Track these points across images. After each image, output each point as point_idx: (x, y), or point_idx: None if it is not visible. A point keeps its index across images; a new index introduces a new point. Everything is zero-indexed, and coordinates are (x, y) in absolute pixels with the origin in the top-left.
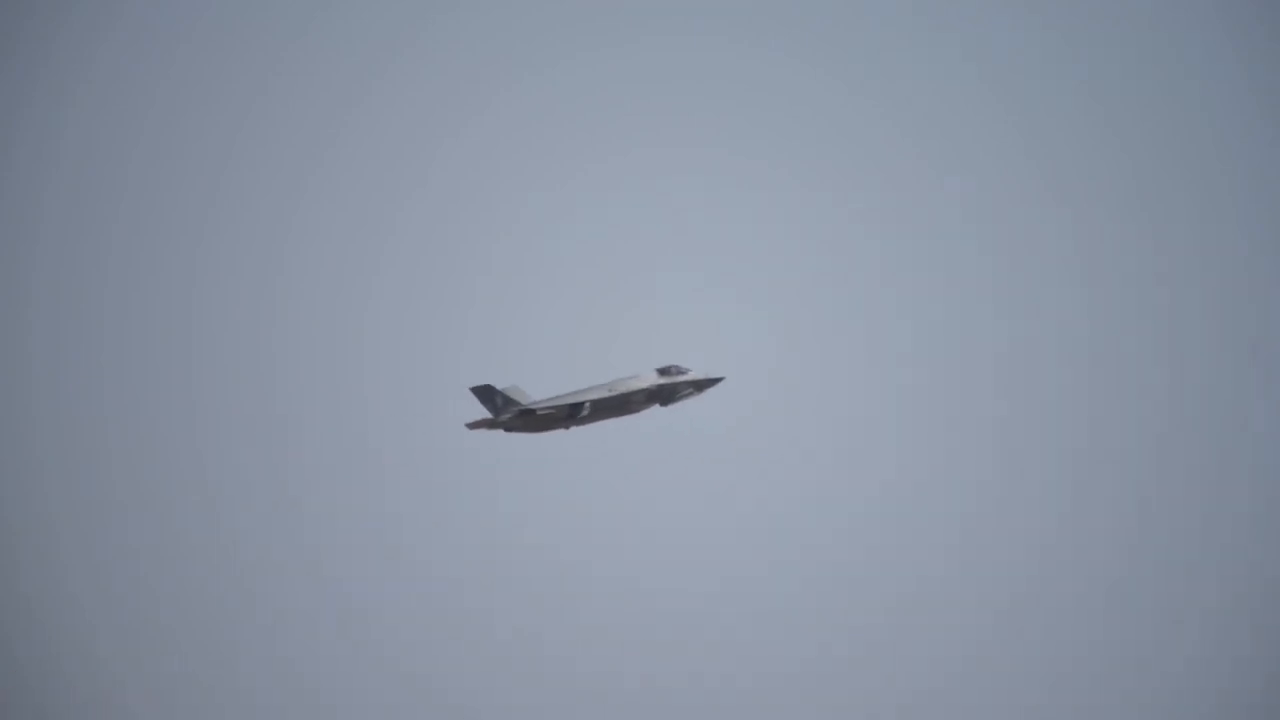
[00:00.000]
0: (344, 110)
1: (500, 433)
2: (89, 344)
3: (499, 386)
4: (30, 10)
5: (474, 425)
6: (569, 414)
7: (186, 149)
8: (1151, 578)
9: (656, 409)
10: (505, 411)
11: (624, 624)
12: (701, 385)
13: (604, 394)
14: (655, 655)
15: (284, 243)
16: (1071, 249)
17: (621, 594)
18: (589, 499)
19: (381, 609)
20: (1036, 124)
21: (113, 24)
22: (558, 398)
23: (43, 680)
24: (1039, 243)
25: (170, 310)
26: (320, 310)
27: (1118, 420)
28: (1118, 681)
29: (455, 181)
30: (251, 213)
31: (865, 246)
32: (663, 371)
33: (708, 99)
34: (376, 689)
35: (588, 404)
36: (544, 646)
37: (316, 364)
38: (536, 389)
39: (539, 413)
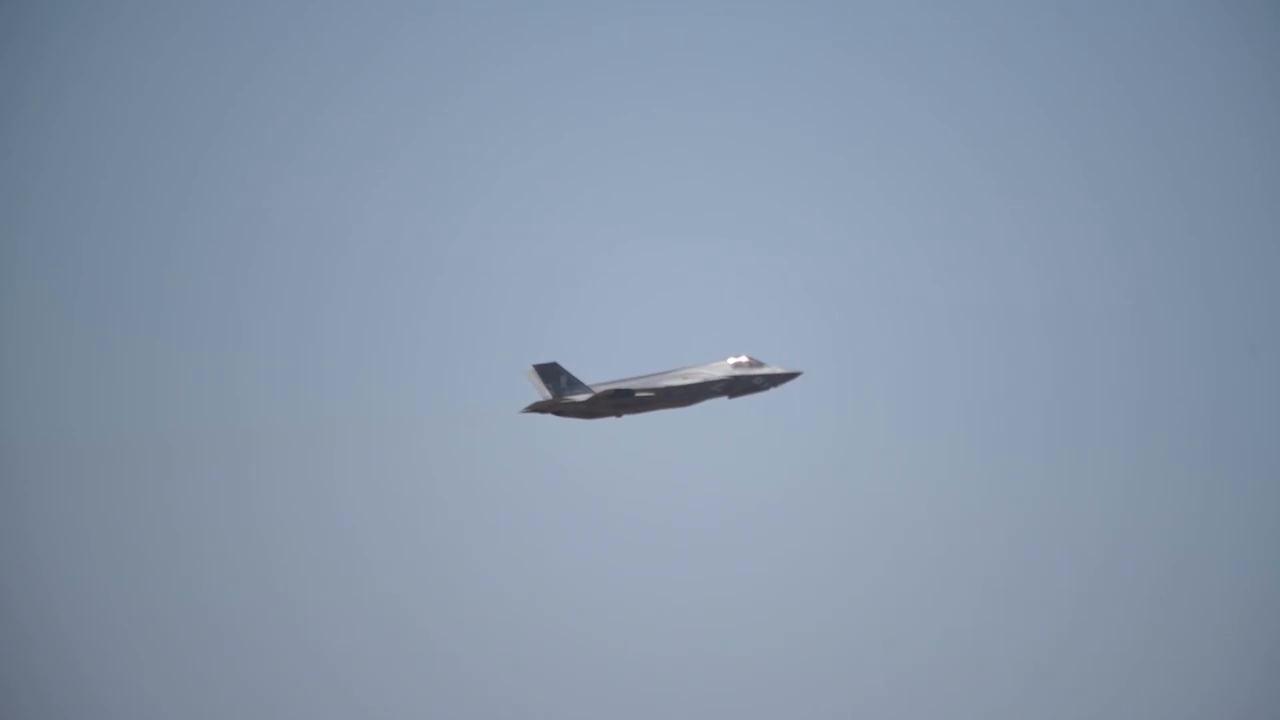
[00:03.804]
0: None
1: (550, 416)
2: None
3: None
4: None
5: (533, 409)
6: (657, 398)
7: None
8: (1150, 579)
9: (723, 400)
10: (570, 392)
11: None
12: (777, 379)
13: (678, 381)
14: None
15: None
16: (1071, 251)
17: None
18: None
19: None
20: (1037, 124)
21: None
22: (626, 380)
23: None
24: (1037, 242)
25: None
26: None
27: (1117, 422)
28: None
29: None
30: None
31: (866, 243)
32: (737, 363)
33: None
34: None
35: (659, 390)
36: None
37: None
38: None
39: (638, 394)
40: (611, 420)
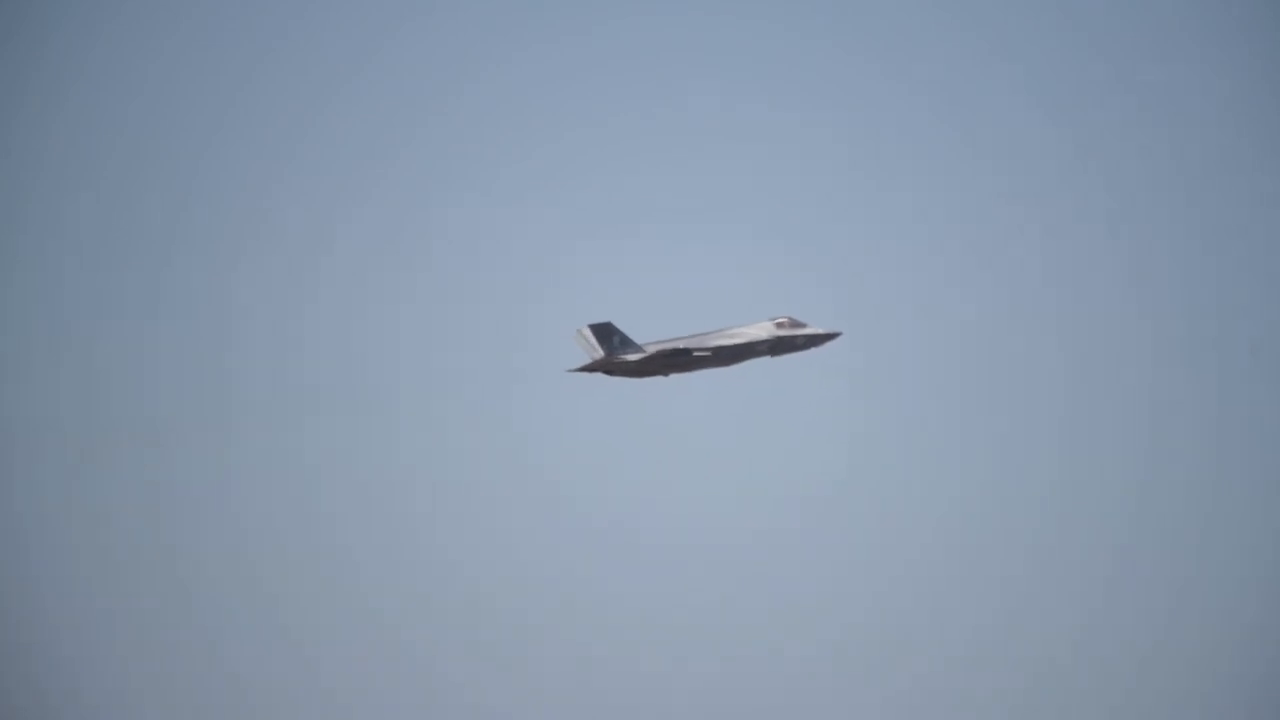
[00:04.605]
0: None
1: (599, 376)
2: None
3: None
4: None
5: (586, 368)
6: (709, 358)
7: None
8: (1149, 581)
9: (764, 360)
10: (623, 351)
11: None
12: (817, 340)
13: (726, 341)
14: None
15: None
16: (1070, 250)
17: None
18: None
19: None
20: (1037, 121)
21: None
22: (675, 340)
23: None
24: (1037, 242)
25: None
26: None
27: (1119, 423)
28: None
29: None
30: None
31: (864, 240)
32: (779, 323)
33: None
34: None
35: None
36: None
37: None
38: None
39: (695, 353)
40: (660, 379)
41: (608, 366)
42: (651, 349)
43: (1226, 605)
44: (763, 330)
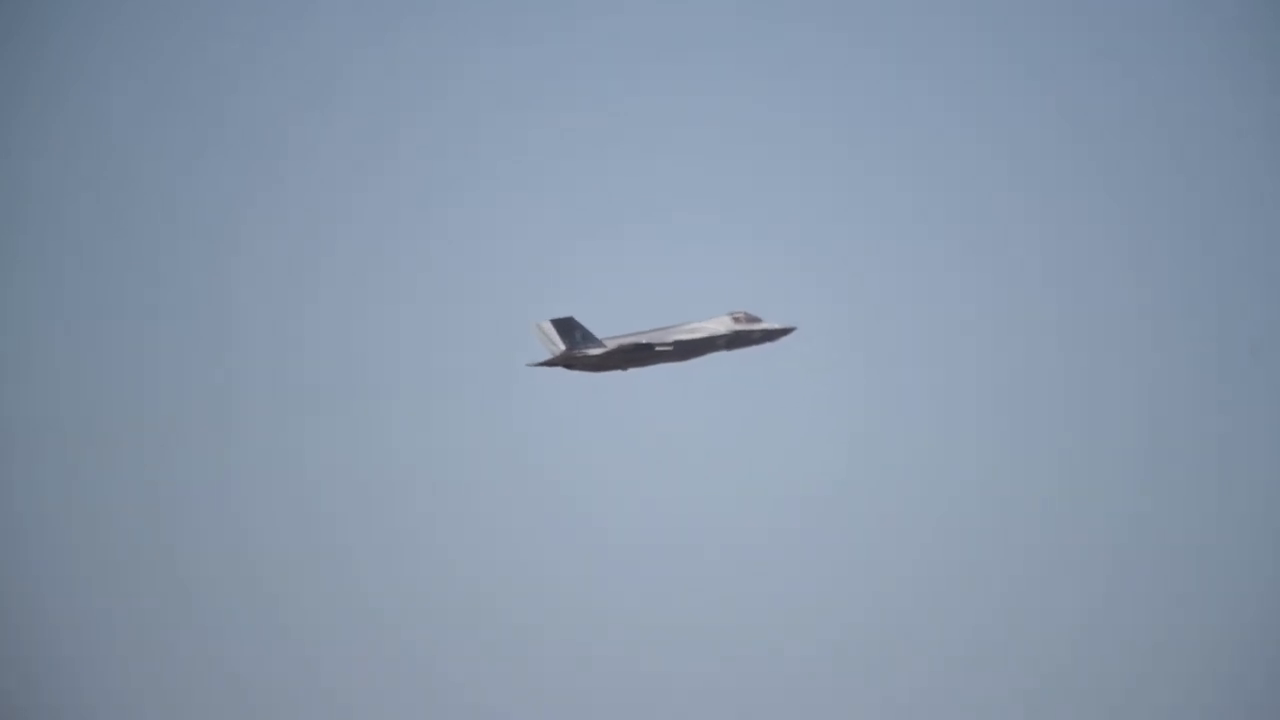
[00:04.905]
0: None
1: (559, 370)
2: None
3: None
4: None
5: (547, 363)
6: (669, 352)
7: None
8: (1149, 581)
9: (720, 354)
10: (585, 346)
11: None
12: (773, 335)
13: (686, 336)
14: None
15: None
16: (1069, 249)
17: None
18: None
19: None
20: (1037, 120)
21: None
22: (635, 335)
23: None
24: (1037, 242)
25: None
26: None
27: (1119, 423)
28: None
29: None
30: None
31: (858, 238)
32: (736, 318)
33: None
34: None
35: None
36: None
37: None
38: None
39: (657, 349)
40: (619, 373)
41: (568, 361)
42: (612, 344)
43: (1226, 605)
44: (720, 325)
